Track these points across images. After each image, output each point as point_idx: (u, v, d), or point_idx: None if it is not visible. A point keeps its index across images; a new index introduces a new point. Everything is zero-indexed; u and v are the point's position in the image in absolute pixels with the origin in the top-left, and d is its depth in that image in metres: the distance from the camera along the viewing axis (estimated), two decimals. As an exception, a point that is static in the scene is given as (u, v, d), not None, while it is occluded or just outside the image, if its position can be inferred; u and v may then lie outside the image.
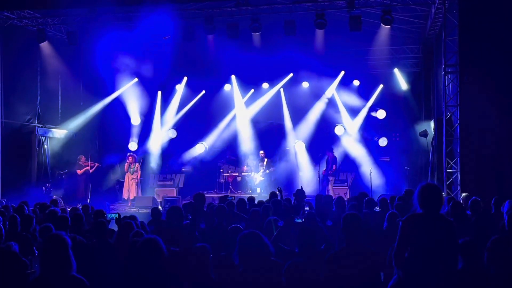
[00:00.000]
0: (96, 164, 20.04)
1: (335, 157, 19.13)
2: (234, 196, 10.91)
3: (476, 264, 5.57)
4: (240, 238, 5.32)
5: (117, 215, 8.29)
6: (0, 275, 6.17)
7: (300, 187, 11.87)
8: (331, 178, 18.87)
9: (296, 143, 21.43)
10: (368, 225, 8.17)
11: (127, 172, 19.46)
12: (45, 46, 18.46)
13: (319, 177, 18.51)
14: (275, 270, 5.14)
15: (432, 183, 5.14)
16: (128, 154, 20.03)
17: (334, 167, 18.88)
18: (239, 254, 5.23)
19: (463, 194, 12.21)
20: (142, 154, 21.38)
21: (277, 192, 11.66)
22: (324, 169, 18.79)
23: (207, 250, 5.57)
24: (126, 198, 19.11)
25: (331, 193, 17.50)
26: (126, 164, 19.61)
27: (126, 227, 6.84)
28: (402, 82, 21.18)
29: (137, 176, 19.46)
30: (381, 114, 21.26)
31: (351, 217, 5.64)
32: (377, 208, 10.45)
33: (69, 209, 11.82)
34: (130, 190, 19.16)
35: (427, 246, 4.77)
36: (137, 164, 19.64)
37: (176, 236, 6.74)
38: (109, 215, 8.77)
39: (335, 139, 21.27)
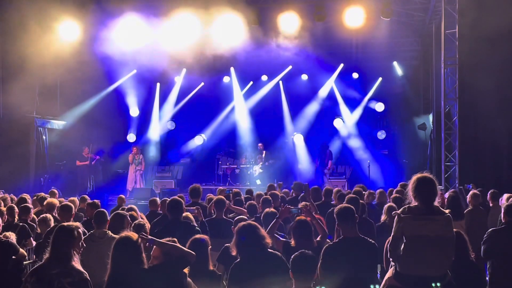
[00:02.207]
0: (97, 157, 20.04)
1: (330, 153, 19.02)
2: (231, 189, 10.89)
3: (465, 255, 5.61)
4: (237, 230, 5.35)
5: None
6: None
7: (299, 181, 11.87)
8: (326, 171, 18.79)
9: (295, 136, 21.44)
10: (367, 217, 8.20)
11: (131, 164, 19.48)
12: (44, 36, 18.37)
13: (315, 171, 18.52)
14: (272, 261, 5.16)
15: (426, 175, 5.10)
16: (133, 145, 20.05)
17: (330, 163, 18.76)
18: (236, 245, 5.26)
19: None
20: (140, 146, 21.38)
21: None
22: (317, 162, 18.74)
23: (206, 241, 5.59)
24: (130, 189, 19.12)
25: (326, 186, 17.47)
26: (130, 155, 19.63)
27: (116, 218, 6.82)
28: (401, 75, 21.17)
29: (141, 168, 19.49)
30: (379, 107, 21.29)
31: (345, 209, 5.65)
32: (375, 201, 10.48)
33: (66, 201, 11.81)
34: (136, 182, 19.18)
35: (422, 238, 4.78)
36: (141, 156, 19.66)
37: (175, 228, 6.75)
38: None
39: (333, 131, 21.29)
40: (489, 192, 9.74)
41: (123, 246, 4.75)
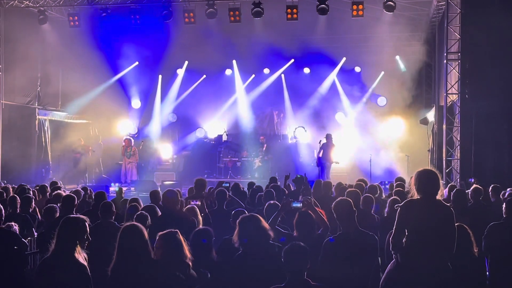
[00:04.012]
0: (90, 148, 20.08)
1: (332, 145, 18.91)
2: (229, 182, 10.90)
3: (468, 250, 5.62)
4: (240, 221, 5.37)
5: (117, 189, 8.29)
6: (0, 255, 6.22)
7: (304, 174, 11.87)
8: (327, 164, 18.67)
9: (297, 129, 21.42)
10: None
11: (123, 156, 19.51)
12: (46, 28, 18.38)
13: (316, 164, 18.50)
14: (273, 253, 5.18)
15: (428, 169, 5.14)
16: (124, 138, 20.07)
17: (330, 154, 18.66)
18: (238, 236, 5.28)
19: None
20: (142, 138, 21.39)
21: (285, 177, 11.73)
22: (321, 154, 18.68)
23: (210, 232, 5.61)
24: (123, 182, 19.18)
25: (328, 179, 17.37)
26: (122, 148, 19.65)
27: (132, 209, 6.86)
28: (403, 69, 21.13)
29: (134, 160, 19.49)
30: (381, 101, 21.28)
31: (341, 202, 5.65)
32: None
33: (69, 192, 11.84)
34: (127, 174, 19.23)
35: (425, 231, 4.79)
36: (133, 148, 19.66)
37: (171, 219, 6.76)
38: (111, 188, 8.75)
39: (335, 125, 21.28)
40: (491, 186, 9.74)
41: (129, 235, 4.76)
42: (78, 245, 4.66)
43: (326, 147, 18.19)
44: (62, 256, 4.59)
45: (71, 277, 4.54)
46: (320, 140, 18.81)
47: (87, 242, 4.76)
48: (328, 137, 18.49)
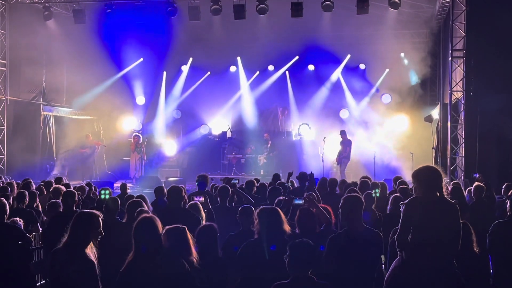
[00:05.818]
0: (100, 143, 20.15)
1: (349, 140, 18.90)
2: (238, 179, 10.89)
3: (469, 247, 5.63)
4: (260, 212, 5.46)
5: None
6: (5, 250, 6.25)
7: (310, 172, 11.87)
8: (344, 160, 18.65)
9: (301, 126, 21.42)
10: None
11: (133, 152, 19.56)
12: (51, 24, 18.40)
13: (337, 162, 18.53)
14: (284, 249, 5.20)
15: (431, 166, 5.13)
16: (134, 134, 20.13)
17: (348, 149, 18.68)
18: (260, 227, 5.37)
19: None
20: (146, 134, 21.42)
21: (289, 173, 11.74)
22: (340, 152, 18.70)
23: (214, 229, 5.63)
24: (132, 177, 19.25)
25: (343, 175, 17.33)
26: (132, 144, 19.69)
27: (132, 206, 6.87)
28: (408, 66, 21.08)
29: (143, 156, 19.60)
30: (386, 98, 21.26)
31: (350, 199, 5.65)
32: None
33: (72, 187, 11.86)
34: (137, 169, 19.31)
35: (429, 228, 4.79)
36: (143, 144, 19.77)
37: (176, 216, 6.79)
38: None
39: (340, 122, 21.26)
40: (505, 184, 9.78)
41: (146, 226, 4.79)
42: (90, 240, 4.68)
43: (342, 144, 18.29)
44: (73, 250, 4.61)
45: (79, 271, 4.55)
46: (325, 137, 18.83)
47: (99, 237, 4.77)
48: (343, 133, 18.54)
